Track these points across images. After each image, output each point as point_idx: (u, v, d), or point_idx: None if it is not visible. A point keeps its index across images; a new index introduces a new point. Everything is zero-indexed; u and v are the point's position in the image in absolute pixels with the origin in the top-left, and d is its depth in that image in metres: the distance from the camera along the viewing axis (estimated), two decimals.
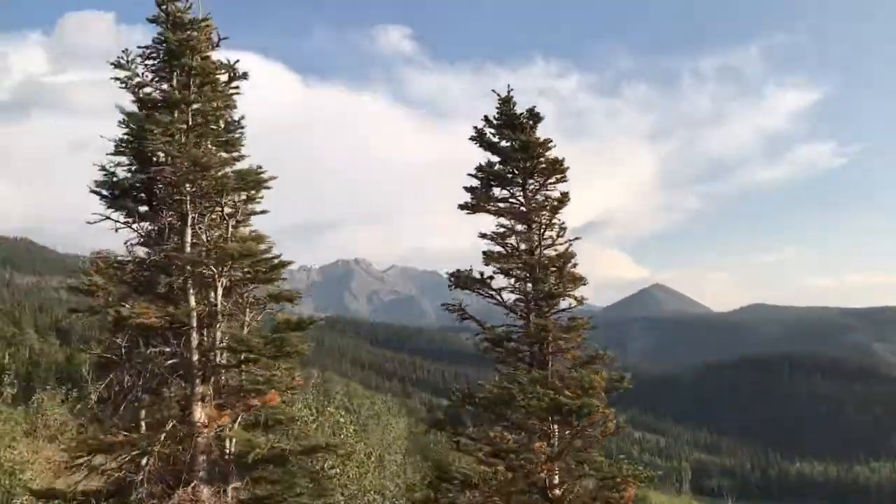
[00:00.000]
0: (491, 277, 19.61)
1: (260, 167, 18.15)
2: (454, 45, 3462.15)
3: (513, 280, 19.47)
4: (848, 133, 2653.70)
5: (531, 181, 19.57)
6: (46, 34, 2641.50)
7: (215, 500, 15.92)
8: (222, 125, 18.86)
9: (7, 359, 71.78)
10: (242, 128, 19.30)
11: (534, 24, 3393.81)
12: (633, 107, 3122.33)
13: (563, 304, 18.85)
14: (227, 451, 16.74)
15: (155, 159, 17.54)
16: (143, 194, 17.93)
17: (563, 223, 19.38)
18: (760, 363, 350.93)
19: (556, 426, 17.93)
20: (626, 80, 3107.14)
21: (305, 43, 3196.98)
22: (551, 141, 19.49)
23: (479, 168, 19.95)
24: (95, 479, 16.21)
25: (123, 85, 18.50)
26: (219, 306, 17.23)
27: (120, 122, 17.97)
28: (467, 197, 20.08)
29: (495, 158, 19.95)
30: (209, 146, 18.04)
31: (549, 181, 19.57)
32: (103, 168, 18.00)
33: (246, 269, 17.84)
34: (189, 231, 17.17)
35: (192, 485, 15.62)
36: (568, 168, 19.57)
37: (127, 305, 16.11)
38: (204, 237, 17.49)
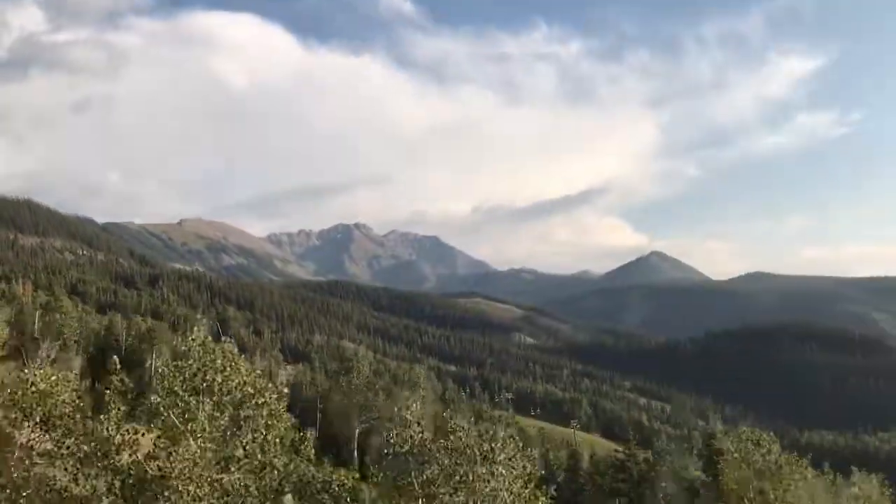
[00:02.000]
0: None
1: None
2: (456, 8, 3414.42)
3: None
4: (850, 102, 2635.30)
5: None
6: None
7: None
8: None
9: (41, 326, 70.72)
10: None
11: None
12: (635, 73, 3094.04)
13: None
14: None
15: None
16: None
17: None
18: (762, 332, 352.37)
19: None
20: (628, 46, 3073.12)
21: (304, 4, 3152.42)
22: None
23: None
24: None
25: None
26: None
27: None
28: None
29: None
30: None
31: None
32: None
33: None
34: None
35: None
36: None
37: None
38: None
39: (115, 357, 70.33)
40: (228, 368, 21.86)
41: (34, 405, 20.97)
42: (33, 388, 21.16)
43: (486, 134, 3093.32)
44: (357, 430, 65.21)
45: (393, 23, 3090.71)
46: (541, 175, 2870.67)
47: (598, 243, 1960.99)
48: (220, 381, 21.51)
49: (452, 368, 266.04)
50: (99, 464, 19.97)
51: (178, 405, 20.80)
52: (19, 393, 20.87)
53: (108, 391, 21.45)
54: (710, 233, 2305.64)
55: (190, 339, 22.60)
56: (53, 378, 21.80)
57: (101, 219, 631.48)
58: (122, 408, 20.82)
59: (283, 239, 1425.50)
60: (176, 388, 21.05)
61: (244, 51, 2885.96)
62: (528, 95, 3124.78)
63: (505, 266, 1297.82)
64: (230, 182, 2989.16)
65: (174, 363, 22.14)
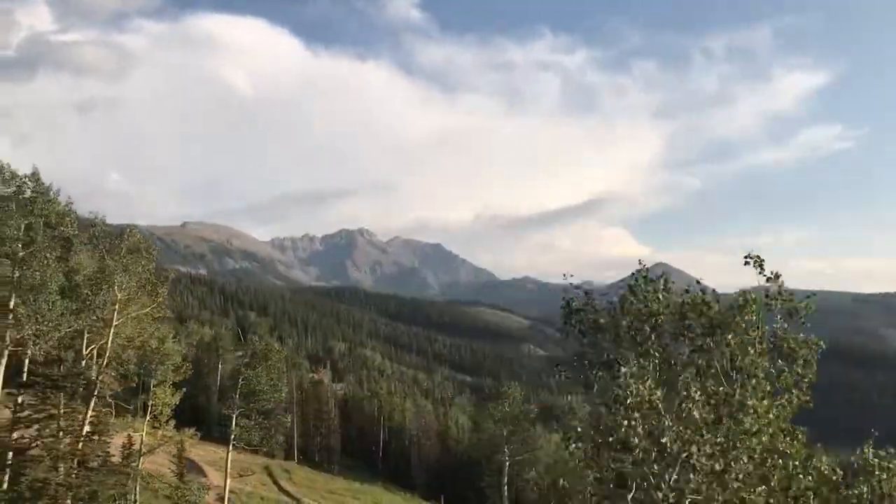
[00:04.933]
0: None
1: None
2: (462, 16, 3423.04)
3: None
4: (854, 117, 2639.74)
5: None
6: None
7: None
8: None
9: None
10: None
11: None
12: (640, 84, 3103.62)
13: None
14: None
15: None
16: None
17: None
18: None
19: None
20: (634, 57, 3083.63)
21: (311, 8, 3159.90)
22: None
23: None
24: None
25: None
26: None
27: None
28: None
29: None
30: None
31: None
32: None
33: None
34: None
35: None
36: None
37: None
38: None
39: None
40: None
41: None
42: None
43: (490, 142, 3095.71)
44: (507, 464, 61.26)
45: (399, 29, 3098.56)
46: (544, 184, 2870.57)
47: (601, 253, 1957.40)
48: None
49: (468, 379, 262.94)
50: None
51: None
52: None
53: None
54: (711, 245, 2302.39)
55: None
56: None
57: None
58: None
59: (287, 243, 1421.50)
60: None
61: (250, 54, 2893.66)
62: (532, 104, 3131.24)
63: (508, 275, 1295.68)
64: (234, 185, 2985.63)
65: None
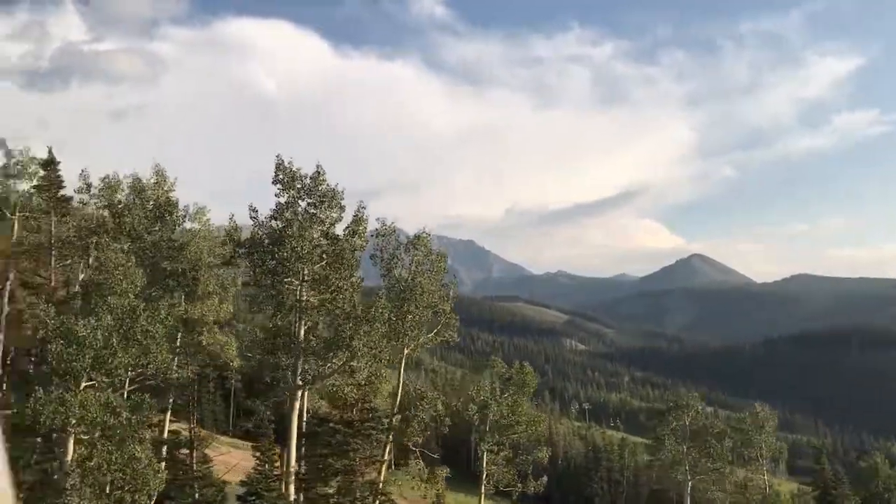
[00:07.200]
0: None
1: None
2: (488, 11, 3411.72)
3: None
4: (890, 100, 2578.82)
5: None
6: (84, 1, 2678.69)
7: None
8: None
9: None
10: None
11: None
12: (670, 74, 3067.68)
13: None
14: None
15: None
16: None
17: None
18: (824, 337, 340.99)
19: None
20: (662, 47, 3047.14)
21: (337, 10, 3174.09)
22: None
23: None
24: None
25: None
26: None
27: None
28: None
29: None
30: None
31: None
32: None
33: None
34: None
35: None
36: None
37: None
38: None
39: None
40: None
41: None
42: None
43: (519, 137, 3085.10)
44: (689, 484, 56.32)
45: (425, 27, 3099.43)
46: (574, 177, 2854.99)
47: (634, 246, 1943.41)
48: None
49: None
50: None
51: None
52: None
53: None
54: (745, 234, 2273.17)
55: None
56: None
57: None
58: None
59: None
60: None
61: (279, 57, 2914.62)
62: (560, 98, 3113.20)
63: (540, 269, 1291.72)
64: (262, 187, 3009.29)
65: None
